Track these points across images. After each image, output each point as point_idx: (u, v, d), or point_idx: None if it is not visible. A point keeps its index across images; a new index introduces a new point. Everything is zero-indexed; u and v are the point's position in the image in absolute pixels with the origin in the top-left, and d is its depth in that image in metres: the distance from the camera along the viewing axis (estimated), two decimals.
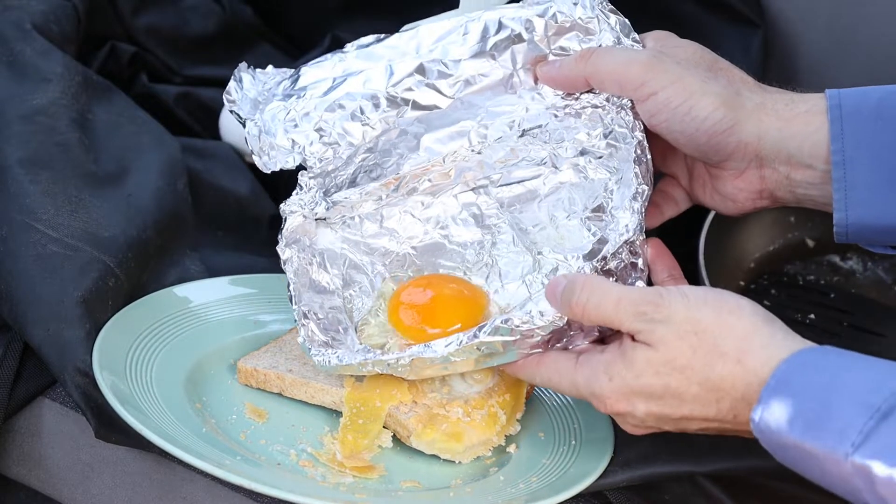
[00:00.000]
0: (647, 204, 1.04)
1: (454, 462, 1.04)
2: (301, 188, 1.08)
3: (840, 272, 1.37)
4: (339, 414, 1.06)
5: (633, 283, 1.02)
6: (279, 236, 1.07)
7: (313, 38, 1.50)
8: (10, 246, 1.11)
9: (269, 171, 1.08)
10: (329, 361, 1.02)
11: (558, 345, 0.99)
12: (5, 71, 1.24)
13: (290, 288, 1.06)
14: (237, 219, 1.30)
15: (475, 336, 0.98)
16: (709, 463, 1.02)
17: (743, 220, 1.34)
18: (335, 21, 1.50)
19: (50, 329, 1.06)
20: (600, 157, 1.08)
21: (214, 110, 1.40)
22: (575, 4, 1.08)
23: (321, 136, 1.08)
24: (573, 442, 1.06)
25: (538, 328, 0.98)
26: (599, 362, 0.95)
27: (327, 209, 1.07)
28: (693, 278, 1.19)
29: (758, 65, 1.36)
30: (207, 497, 1.04)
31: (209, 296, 1.15)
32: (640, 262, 1.02)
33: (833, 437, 0.85)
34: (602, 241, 1.03)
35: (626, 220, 1.02)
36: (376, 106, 1.09)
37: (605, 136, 1.07)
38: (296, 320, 1.05)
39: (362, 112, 1.09)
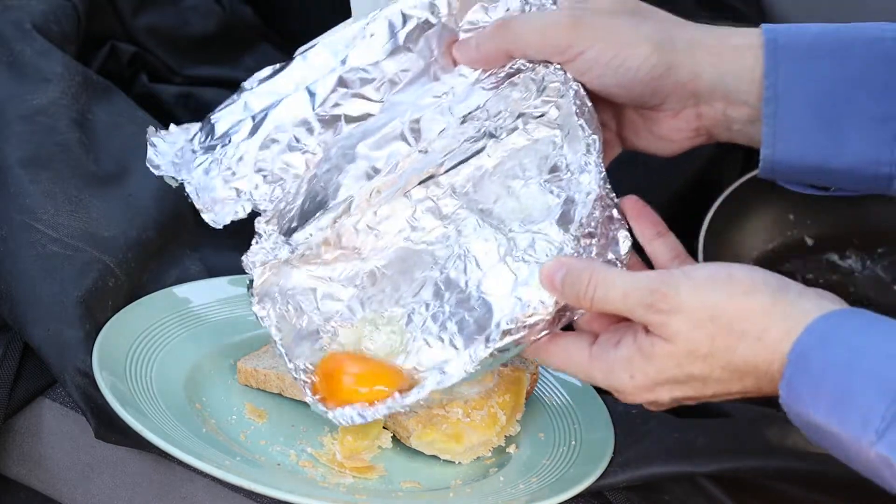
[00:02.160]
0: (601, 153, 1.00)
1: (454, 462, 1.04)
2: (260, 236, 1.04)
3: (839, 271, 1.37)
4: None
5: (614, 236, 0.98)
6: (248, 293, 1.03)
7: (313, 39, 1.50)
8: (10, 246, 1.11)
9: (220, 227, 1.04)
10: (352, 419, 0.99)
11: (563, 318, 0.97)
12: (5, 71, 1.24)
13: (279, 346, 1.02)
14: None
15: (487, 345, 0.97)
16: (709, 463, 1.02)
17: (742, 219, 1.34)
18: (335, 21, 1.50)
19: (50, 329, 1.06)
20: (540, 117, 1.04)
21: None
22: None
23: (264, 177, 1.05)
24: (573, 442, 1.06)
25: (543, 317, 0.96)
26: (617, 360, 0.93)
27: (291, 252, 1.04)
28: None
29: None
30: (207, 497, 1.04)
31: (209, 296, 1.15)
32: (614, 212, 0.99)
33: (856, 423, 0.83)
34: (569, 202, 1.00)
35: (586, 180, 0.99)
36: (310, 131, 1.05)
37: (540, 94, 1.04)
38: (295, 378, 1.01)
39: (298, 140, 1.05)
